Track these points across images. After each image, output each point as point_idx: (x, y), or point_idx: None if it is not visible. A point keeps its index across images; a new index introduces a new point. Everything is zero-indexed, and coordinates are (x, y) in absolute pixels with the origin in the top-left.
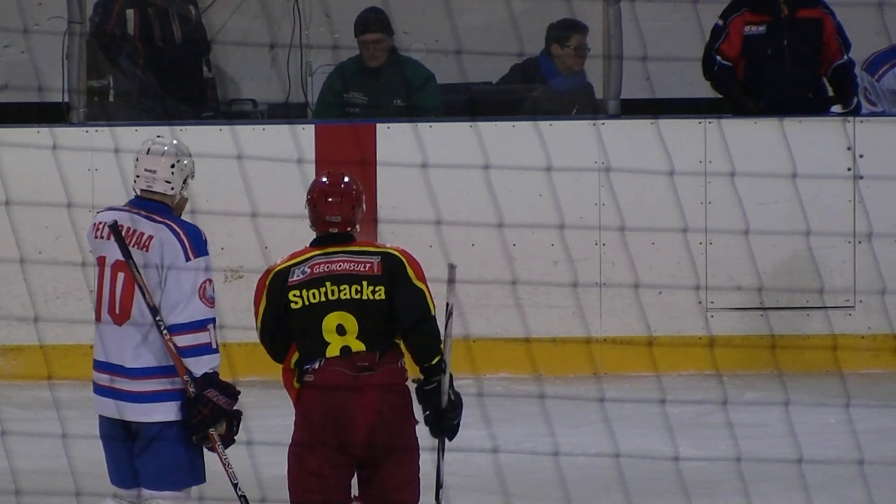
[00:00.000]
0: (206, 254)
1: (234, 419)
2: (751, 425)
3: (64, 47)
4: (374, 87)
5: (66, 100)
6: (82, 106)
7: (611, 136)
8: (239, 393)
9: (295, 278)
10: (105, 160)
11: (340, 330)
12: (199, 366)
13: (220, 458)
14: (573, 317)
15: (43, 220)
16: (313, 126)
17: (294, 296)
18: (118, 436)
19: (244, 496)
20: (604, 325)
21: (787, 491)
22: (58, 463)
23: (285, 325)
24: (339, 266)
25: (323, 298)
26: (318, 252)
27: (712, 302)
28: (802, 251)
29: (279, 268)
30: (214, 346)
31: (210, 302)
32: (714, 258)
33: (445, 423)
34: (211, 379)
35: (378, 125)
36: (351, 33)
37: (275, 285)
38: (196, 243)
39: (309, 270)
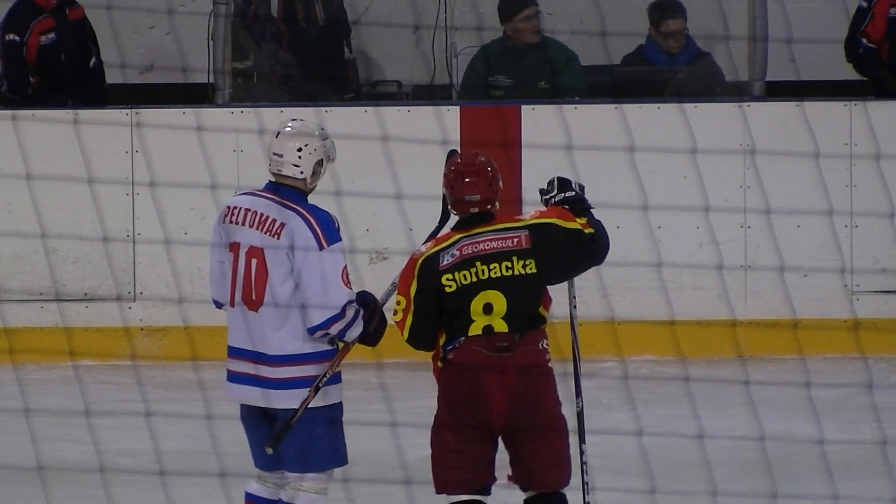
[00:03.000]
0: (339, 239)
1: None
2: (895, 408)
3: (209, 28)
4: (519, 69)
5: (211, 81)
6: (227, 87)
7: (756, 119)
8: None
9: (445, 262)
10: (250, 141)
11: (487, 309)
12: (353, 332)
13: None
14: (718, 299)
15: (188, 202)
16: (458, 108)
17: (447, 279)
18: (258, 419)
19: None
20: (748, 308)
21: None
22: (202, 444)
23: (438, 309)
24: (487, 245)
25: (474, 279)
26: (462, 234)
27: (857, 285)
28: None
29: (427, 254)
30: (358, 311)
31: (350, 285)
32: (859, 241)
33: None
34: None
35: (523, 107)
36: (495, 14)
37: (426, 270)
38: (328, 230)
39: (458, 253)
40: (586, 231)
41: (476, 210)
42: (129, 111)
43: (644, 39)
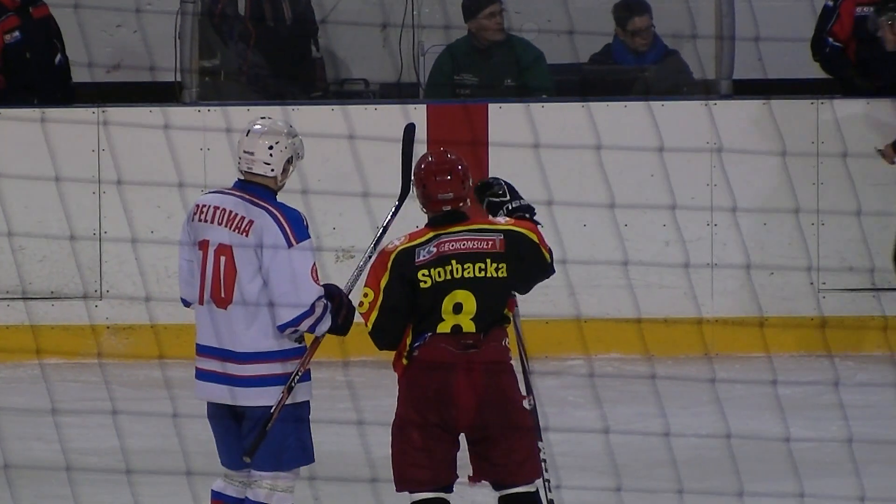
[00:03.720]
0: (308, 237)
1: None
2: (862, 406)
3: (176, 27)
4: (485, 67)
5: (179, 79)
6: (194, 85)
7: (723, 117)
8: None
9: (422, 258)
10: (217, 140)
11: (457, 308)
12: (322, 327)
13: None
14: (685, 297)
15: (155, 200)
16: (425, 106)
17: (423, 275)
18: (226, 417)
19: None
20: (715, 306)
21: None
22: (168, 442)
23: (409, 304)
24: (463, 245)
25: (448, 277)
26: (440, 231)
27: (824, 283)
28: None
29: (402, 248)
30: (326, 305)
31: (319, 282)
32: (826, 239)
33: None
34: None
35: (490, 105)
36: (460, 14)
37: (401, 263)
38: (297, 228)
39: (435, 250)
40: (547, 252)
41: (448, 208)
42: (96, 110)
43: (611, 38)
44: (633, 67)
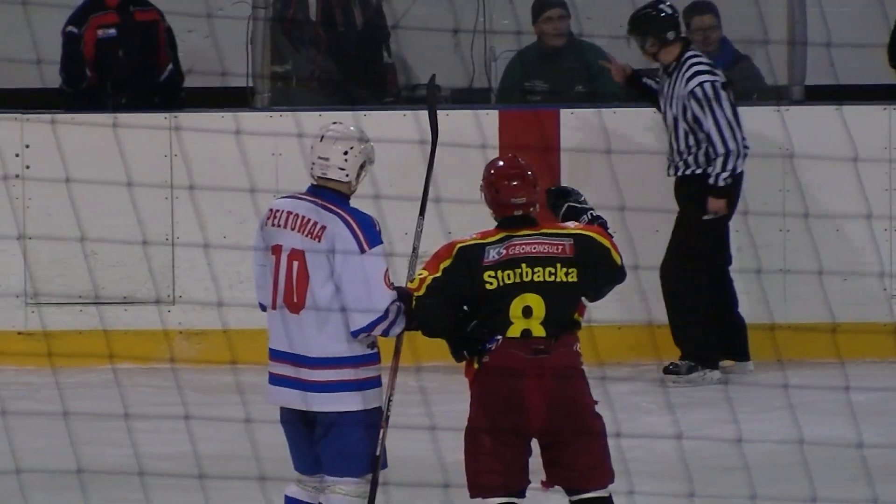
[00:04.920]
0: (380, 242)
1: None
2: None
3: (248, 32)
4: (555, 73)
5: (250, 84)
6: (266, 91)
7: (795, 123)
8: None
9: (490, 259)
10: (288, 145)
11: (527, 312)
12: (396, 330)
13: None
14: (757, 303)
15: (226, 205)
16: (497, 112)
17: (489, 276)
18: (298, 422)
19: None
20: (787, 312)
21: None
22: (241, 447)
23: (462, 295)
24: (534, 248)
25: (517, 280)
26: (511, 233)
27: None
28: None
29: (469, 243)
30: (400, 308)
31: (392, 287)
32: None
33: None
34: None
35: (562, 111)
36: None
37: (467, 256)
38: (368, 233)
39: (504, 252)
40: (618, 256)
41: (520, 213)
42: (167, 115)
43: None
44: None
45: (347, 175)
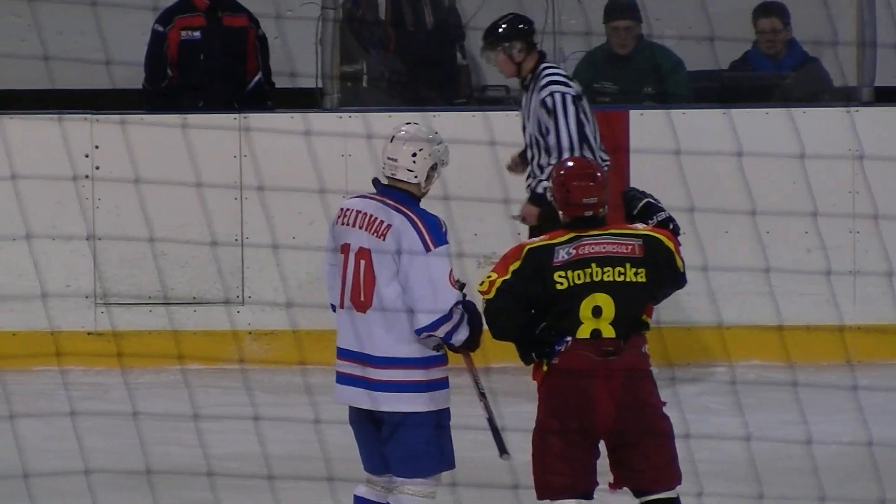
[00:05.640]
0: (446, 242)
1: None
2: None
3: (317, 33)
4: (624, 74)
5: (320, 85)
6: (335, 92)
7: (864, 124)
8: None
9: (560, 259)
10: (358, 146)
11: (597, 312)
12: (459, 336)
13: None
14: (826, 304)
15: (296, 206)
16: None
17: (559, 276)
18: (366, 422)
19: (497, 429)
20: (857, 313)
21: None
22: (310, 448)
23: (533, 297)
24: (603, 248)
25: (587, 279)
26: (580, 234)
27: None
28: None
29: (539, 244)
30: (463, 314)
31: (457, 286)
32: None
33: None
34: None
35: (631, 112)
36: (601, 20)
37: (537, 257)
38: (434, 233)
39: (574, 252)
40: (681, 262)
41: (591, 213)
42: (237, 116)
43: (750, 45)
44: (773, 74)
45: (416, 176)
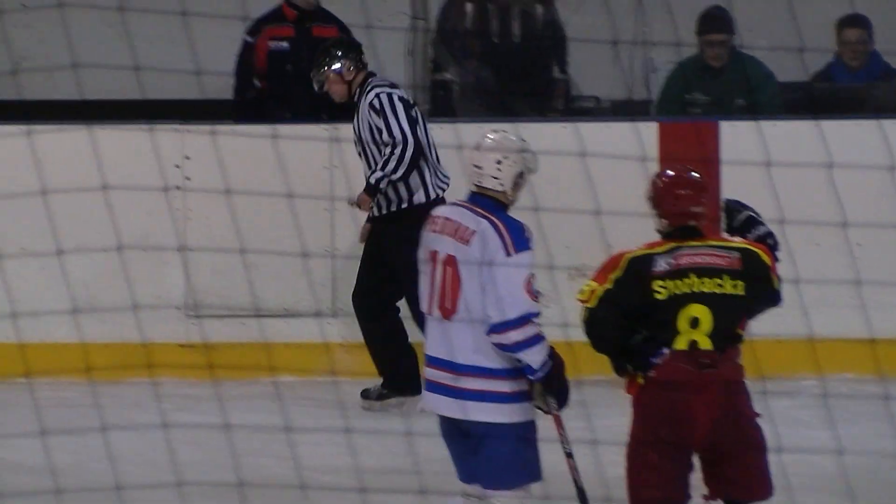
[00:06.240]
0: (528, 249)
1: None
2: None
3: (407, 43)
4: (716, 86)
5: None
6: (426, 102)
7: None
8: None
9: (659, 268)
10: (448, 156)
11: (694, 323)
12: (532, 355)
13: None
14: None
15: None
16: (656, 124)
17: (659, 286)
18: (454, 433)
19: (582, 489)
20: None
21: None
22: (403, 460)
23: (633, 307)
24: (703, 259)
25: (686, 290)
26: (679, 244)
27: None
28: None
29: (638, 254)
30: (542, 335)
31: (535, 296)
32: None
33: None
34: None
35: (721, 123)
36: (692, 30)
37: (637, 267)
38: (517, 238)
39: (674, 262)
40: (777, 278)
41: (693, 223)
42: (328, 126)
43: (831, 56)
44: (864, 85)
45: (502, 184)
